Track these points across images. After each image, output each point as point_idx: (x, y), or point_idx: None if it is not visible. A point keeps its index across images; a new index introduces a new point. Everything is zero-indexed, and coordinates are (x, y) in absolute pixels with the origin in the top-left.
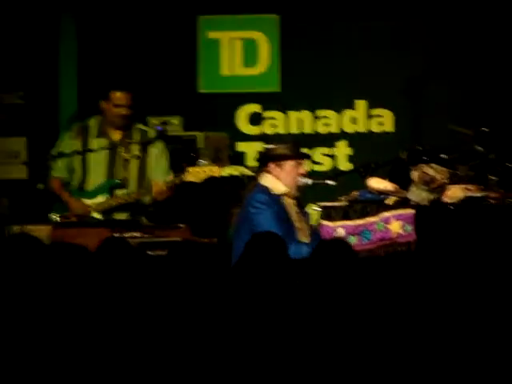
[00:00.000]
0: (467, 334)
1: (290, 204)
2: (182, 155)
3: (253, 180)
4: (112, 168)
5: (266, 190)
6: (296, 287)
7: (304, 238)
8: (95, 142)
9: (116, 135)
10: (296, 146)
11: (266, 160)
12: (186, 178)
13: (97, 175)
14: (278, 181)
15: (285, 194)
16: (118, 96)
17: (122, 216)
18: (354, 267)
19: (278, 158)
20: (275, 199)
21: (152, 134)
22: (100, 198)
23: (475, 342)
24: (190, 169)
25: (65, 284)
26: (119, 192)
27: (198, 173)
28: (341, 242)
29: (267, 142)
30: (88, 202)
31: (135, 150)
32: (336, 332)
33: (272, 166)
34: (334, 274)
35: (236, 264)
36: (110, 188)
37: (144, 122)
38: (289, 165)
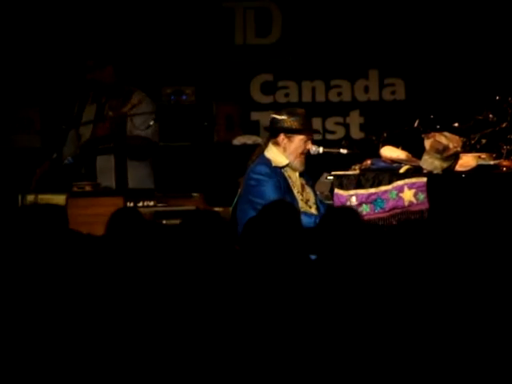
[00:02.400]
0: (477, 311)
1: (291, 176)
2: (196, 124)
3: (258, 148)
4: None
5: (267, 162)
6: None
7: (309, 208)
8: (87, 109)
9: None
10: (307, 119)
11: (276, 130)
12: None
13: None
14: (282, 153)
15: (287, 166)
16: (88, 63)
17: None
18: (362, 235)
19: (290, 131)
20: (276, 171)
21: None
22: None
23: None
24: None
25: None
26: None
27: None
28: (348, 210)
29: (278, 111)
30: None
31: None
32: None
33: (282, 136)
34: (342, 242)
35: (245, 233)
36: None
37: (158, 92)
38: (298, 139)
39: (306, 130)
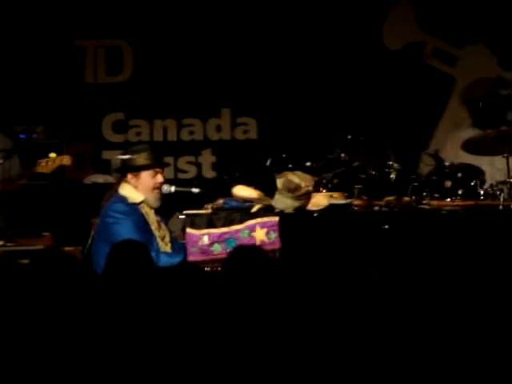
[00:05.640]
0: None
1: (148, 213)
2: None
3: (111, 189)
4: None
5: (123, 200)
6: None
7: (165, 246)
8: None
9: None
10: (152, 154)
11: (123, 170)
12: (36, 170)
13: None
14: (136, 190)
15: (143, 203)
16: None
17: None
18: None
19: (135, 169)
20: (133, 208)
21: (9, 144)
22: None
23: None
24: (41, 160)
25: None
26: None
27: (47, 164)
28: (255, 249)
29: (124, 151)
30: None
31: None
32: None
33: (130, 176)
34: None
35: (101, 275)
36: None
37: (8, 131)
38: (146, 174)
39: (151, 164)
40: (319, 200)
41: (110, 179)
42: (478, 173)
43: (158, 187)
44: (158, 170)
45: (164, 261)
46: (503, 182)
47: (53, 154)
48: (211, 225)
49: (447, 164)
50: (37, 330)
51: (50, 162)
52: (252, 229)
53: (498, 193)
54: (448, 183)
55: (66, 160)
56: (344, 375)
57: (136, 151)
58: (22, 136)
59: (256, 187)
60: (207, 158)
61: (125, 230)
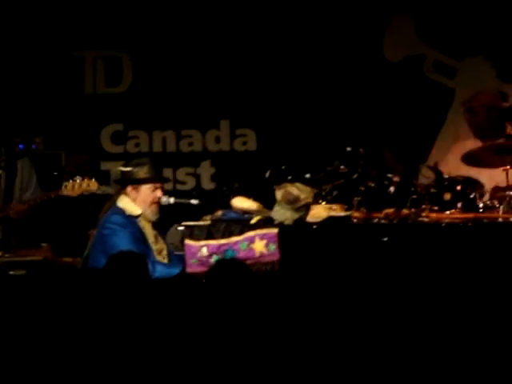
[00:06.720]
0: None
1: (145, 226)
2: (45, 174)
3: (109, 201)
4: None
5: (121, 212)
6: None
7: (162, 259)
8: None
9: None
10: (153, 168)
11: (124, 182)
12: (62, 193)
13: None
14: (134, 203)
15: (140, 216)
16: None
17: None
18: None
19: (135, 182)
20: (131, 220)
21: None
22: None
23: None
24: (67, 183)
25: None
26: None
27: (74, 187)
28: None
29: (125, 163)
30: None
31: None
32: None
33: (129, 188)
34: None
35: (96, 283)
36: None
37: (7, 142)
38: (145, 188)
39: (151, 179)
40: (318, 212)
41: (109, 190)
42: (477, 185)
43: (157, 202)
44: (157, 184)
45: (160, 271)
46: (504, 189)
47: (78, 178)
48: (210, 236)
49: (446, 176)
50: (32, 339)
51: (76, 186)
52: (251, 240)
53: (497, 205)
54: (447, 196)
55: (93, 184)
56: None
57: (137, 164)
58: (20, 146)
59: (255, 199)
60: (206, 170)
61: (121, 242)
